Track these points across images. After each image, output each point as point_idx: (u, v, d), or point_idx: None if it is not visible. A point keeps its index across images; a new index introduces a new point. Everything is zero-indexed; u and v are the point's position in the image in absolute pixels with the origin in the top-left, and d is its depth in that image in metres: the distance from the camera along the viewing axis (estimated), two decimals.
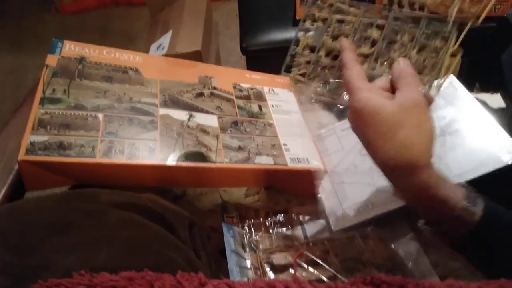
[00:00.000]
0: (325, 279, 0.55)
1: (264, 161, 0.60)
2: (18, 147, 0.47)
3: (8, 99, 1.92)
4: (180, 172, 0.55)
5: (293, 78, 0.73)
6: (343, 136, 0.70)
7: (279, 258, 0.58)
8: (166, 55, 1.19)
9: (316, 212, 0.66)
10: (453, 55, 0.59)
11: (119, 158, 0.50)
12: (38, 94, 0.53)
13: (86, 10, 2.37)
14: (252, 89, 0.71)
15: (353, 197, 0.64)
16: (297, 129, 0.68)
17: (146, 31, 1.53)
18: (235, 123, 0.63)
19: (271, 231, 0.64)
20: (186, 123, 0.59)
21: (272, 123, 0.66)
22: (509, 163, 0.58)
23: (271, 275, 0.57)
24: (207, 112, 0.62)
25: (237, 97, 0.68)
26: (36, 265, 0.36)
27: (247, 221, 0.64)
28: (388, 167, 0.43)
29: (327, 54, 0.69)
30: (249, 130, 0.63)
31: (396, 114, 0.41)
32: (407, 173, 0.41)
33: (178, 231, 0.50)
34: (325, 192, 0.67)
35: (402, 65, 0.45)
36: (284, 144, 0.64)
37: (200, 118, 0.61)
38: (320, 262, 0.57)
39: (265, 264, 0.57)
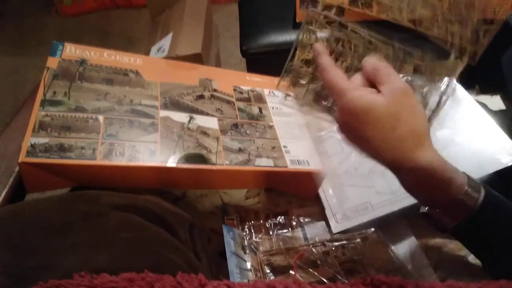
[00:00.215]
0: (325, 280, 0.55)
1: (264, 163, 0.60)
2: (19, 149, 0.47)
3: (9, 101, 1.92)
4: (181, 174, 0.55)
5: (291, 80, 0.73)
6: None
7: (279, 260, 0.58)
8: (166, 57, 1.19)
9: (316, 214, 0.66)
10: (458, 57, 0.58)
11: (119, 160, 0.50)
12: (39, 97, 0.53)
13: (87, 12, 2.38)
14: (252, 91, 0.71)
15: (353, 199, 0.65)
16: (297, 131, 0.68)
17: (147, 34, 1.53)
18: (236, 125, 0.63)
19: (271, 233, 0.64)
20: (187, 125, 0.59)
21: (272, 125, 0.67)
22: (509, 165, 0.58)
23: (271, 276, 0.57)
24: (207, 114, 0.62)
25: (238, 100, 0.68)
26: (36, 266, 0.36)
27: (247, 223, 0.64)
28: (395, 157, 0.42)
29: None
30: (249, 132, 0.63)
31: (390, 106, 0.41)
32: (412, 159, 0.42)
33: (178, 232, 0.50)
34: (325, 194, 0.67)
35: (373, 61, 0.45)
36: (284, 146, 0.64)
37: (201, 120, 0.61)
38: (320, 264, 0.57)
39: (265, 266, 0.58)
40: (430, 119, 0.58)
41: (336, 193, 0.66)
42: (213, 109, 0.64)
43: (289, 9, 1.16)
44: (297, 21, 1.13)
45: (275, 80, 0.77)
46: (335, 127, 0.69)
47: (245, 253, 0.60)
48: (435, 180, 0.42)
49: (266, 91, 0.73)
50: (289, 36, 1.14)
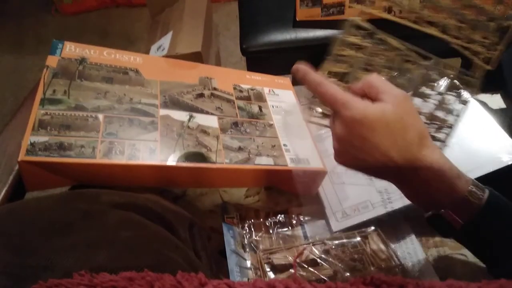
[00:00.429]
0: (325, 279, 0.55)
1: (264, 162, 0.60)
2: (19, 148, 0.47)
3: (8, 99, 1.92)
4: (180, 172, 0.55)
5: None
6: None
7: (279, 258, 0.58)
8: (166, 56, 1.19)
9: (316, 212, 0.66)
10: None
11: (119, 159, 0.50)
12: (39, 95, 0.53)
13: (86, 11, 2.37)
14: (252, 90, 0.71)
15: (353, 198, 0.64)
16: (297, 129, 0.68)
17: (146, 32, 1.53)
18: (235, 124, 0.63)
19: (271, 231, 0.64)
20: (187, 124, 0.59)
21: (272, 124, 0.67)
22: (509, 163, 0.58)
23: (271, 275, 0.57)
24: (207, 113, 0.62)
25: (237, 98, 0.68)
26: (36, 265, 0.36)
27: (247, 221, 0.64)
28: (405, 159, 0.43)
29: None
30: (249, 131, 0.63)
31: (397, 113, 0.42)
32: (421, 158, 0.42)
33: (178, 231, 0.50)
34: (325, 192, 0.67)
35: (371, 76, 0.46)
36: (284, 145, 0.64)
37: (201, 119, 0.61)
38: (320, 262, 0.57)
39: (265, 264, 0.58)
40: (453, 127, 0.59)
41: (336, 192, 0.66)
42: (213, 108, 0.64)
43: (289, 8, 1.16)
44: (297, 19, 1.13)
45: (275, 78, 0.77)
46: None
47: (245, 251, 0.60)
48: (444, 177, 0.43)
49: (266, 90, 0.73)
50: (289, 35, 1.14)
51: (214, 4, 2.13)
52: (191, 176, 0.58)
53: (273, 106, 0.70)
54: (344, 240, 0.60)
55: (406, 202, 0.59)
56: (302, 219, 0.65)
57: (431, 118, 0.58)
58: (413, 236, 0.61)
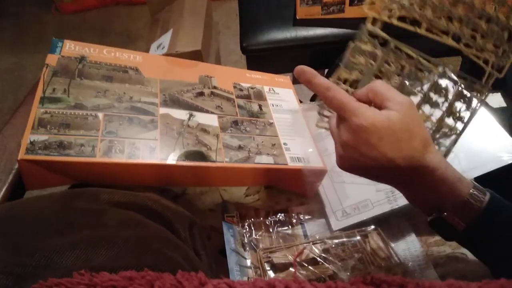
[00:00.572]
0: (325, 278, 0.55)
1: (264, 161, 0.59)
2: (18, 147, 0.47)
3: (8, 98, 1.92)
4: (180, 171, 0.55)
5: None
6: None
7: (279, 257, 0.58)
8: (166, 54, 1.19)
9: (316, 211, 0.66)
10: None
11: (119, 158, 0.50)
12: (38, 94, 0.53)
13: (86, 9, 2.37)
14: (252, 88, 0.71)
15: (353, 197, 0.64)
16: (297, 128, 0.68)
17: (146, 31, 1.53)
18: (235, 123, 0.63)
19: (271, 230, 0.64)
20: (186, 122, 0.59)
21: (272, 123, 0.66)
22: (509, 162, 0.58)
23: (271, 274, 0.57)
24: (207, 111, 0.62)
25: (237, 97, 0.68)
26: (36, 264, 0.36)
27: (247, 220, 0.64)
28: (410, 164, 0.43)
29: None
30: (249, 130, 0.63)
31: (403, 122, 0.43)
32: (424, 163, 0.43)
33: (178, 230, 0.50)
34: (325, 191, 0.67)
35: (376, 83, 0.46)
36: (284, 144, 0.64)
37: (200, 118, 0.61)
38: (321, 261, 0.57)
39: (265, 263, 0.58)
40: (460, 134, 0.59)
41: (336, 191, 0.66)
42: (213, 106, 0.64)
43: (290, 6, 1.16)
44: (297, 17, 1.13)
45: (275, 77, 0.77)
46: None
47: (245, 250, 0.60)
48: (446, 181, 0.44)
49: (266, 88, 0.73)
50: (290, 33, 1.14)
51: (214, 2, 2.12)
52: (191, 175, 0.58)
53: (273, 105, 0.70)
54: (344, 239, 0.60)
55: (406, 201, 0.59)
56: (302, 218, 0.65)
57: (440, 125, 0.59)
58: (413, 235, 0.61)
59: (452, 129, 0.59)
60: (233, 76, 0.72)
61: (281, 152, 0.62)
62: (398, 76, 0.60)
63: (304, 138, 0.67)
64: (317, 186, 0.67)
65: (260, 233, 0.63)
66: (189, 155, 0.55)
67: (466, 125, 0.58)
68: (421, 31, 0.58)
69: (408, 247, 0.60)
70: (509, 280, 0.33)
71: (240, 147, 0.60)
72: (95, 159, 0.49)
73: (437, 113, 0.59)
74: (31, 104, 0.51)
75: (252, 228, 0.64)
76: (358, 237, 0.60)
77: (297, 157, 0.62)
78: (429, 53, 0.60)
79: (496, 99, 0.77)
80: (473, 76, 0.68)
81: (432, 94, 0.59)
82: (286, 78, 0.78)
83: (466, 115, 0.59)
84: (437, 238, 0.61)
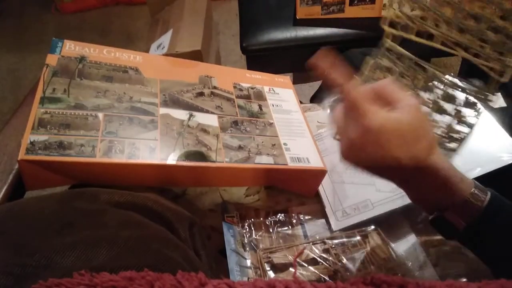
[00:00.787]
0: (325, 278, 0.55)
1: (264, 161, 0.59)
2: (18, 147, 0.47)
3: (8, 98, 1.91)
4: (180, 171, 0.55)
5: None
6: None
7: (279, 258, 0.58)
8: (166, 54, 1.19)
9: (316, 211, 0.66)
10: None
11: (119, 158, 0.50)
12: (38, 94, 0.53)
13: (86, 10, 2.37)
14: (252, 88, 0.71)
15: (353, 197, 0.64)
16: (297, 128, 0.68)
17: (146, 31, 1.53)
18: (235, 123, 0.63)
19: (271, 230, 0.64)
20: (186, 122, 0.59)
21: (272, 123, 0.66)
22: (510, 163, 0.58)
23: (271, 274, 0.57)
24: (207, 111, 0.62)
25: (238, 97, 0.68)
26: (36, 264, 0.36)
27: (247, 220, 0.64)
28: (414, 164, 0.44)
29: None
30: (249, 130, 0.63)
31: (411, 124, 0.43)
32: (427, 163, 0.43)
33: (178, 230, 0.50)
34: (325, 191, 0.67)
35: (385, 81, 0.46)
36: (284, 144, 0.64)
37: (200, 118, 0.61)
38: (321, 262, 0.57)
39: (265, 264, 0.57)
40: (466, 138, 0.60)
41: (336, 191, 0.66)
42: (213, 107, 0.64)
43: (290, 6, 1.16)
44: (297, 17, 1.13)
45: (275, 77, 0.77)
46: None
47: (245, 250, 0.60)
48: (448, 181, 0.44)
49: (266, 88, 0.73)
50: (289, 33, 1.14)
51: (214, 2, 2.12)
52: (191, 175, 0.58)
53: (273, 105, 0.70)
54: (344, 239, 0.60)
55: (406, 202, 0.59)
56: (302, 218, 0.65)
57: (449, 130, 0.60)
58: (413, 235, 0.61)
59: (459, 133, 0.60)
60: (233, 76, 0.72)
61: (281, 152, 0.62)
62: (413, 89, 0.63)
63: (304, 138, 0.67)
64: (317, 186, 0.67)
65: (260, 233, 0.63)
66: (189, 155, 0.55)
67: (472, 129, 0.60)
68: (437, 45, 0.59)
69: (408, 247, 0.60)
70: (509, 280, 0.33)
71: (240, 147, 0.60)
72: (95, 159, 0.49)
73: (445, 119, 0.61)
74: (31, 104, 0.51)
75: (252, 228, 0.64)
76: (358, 237, 0.60)
77: (297, 157, 0.62)
78: (429, 54, 0.60)
79: (497, 99, 0.77)
80: (473, 76, 0.68)
81: (442, 102, 0.61)
82: (286, 78, 0.78)
83: (473, 120, 0.60)
84: (437, 238, 0.60)
